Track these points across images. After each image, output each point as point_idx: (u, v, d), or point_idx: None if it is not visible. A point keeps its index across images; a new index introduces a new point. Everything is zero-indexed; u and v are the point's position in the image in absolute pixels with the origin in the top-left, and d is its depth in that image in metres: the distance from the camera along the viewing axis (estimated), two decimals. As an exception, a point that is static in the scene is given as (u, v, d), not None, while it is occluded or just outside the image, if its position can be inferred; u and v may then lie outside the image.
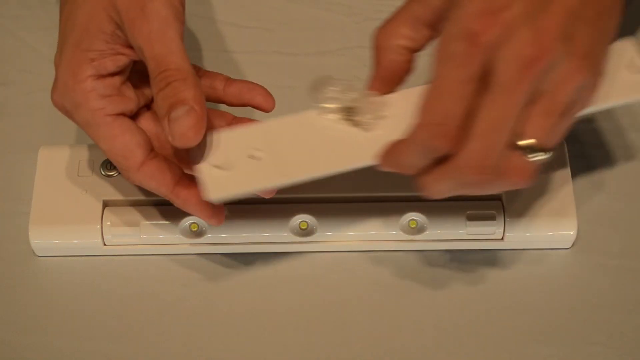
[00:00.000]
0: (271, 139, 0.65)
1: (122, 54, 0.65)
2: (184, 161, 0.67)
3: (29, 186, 0.73)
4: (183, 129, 0.62)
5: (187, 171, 0.67)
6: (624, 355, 0.69)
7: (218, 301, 0.72)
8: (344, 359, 0.70)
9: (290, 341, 0.70)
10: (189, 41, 0.82)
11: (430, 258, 0.73)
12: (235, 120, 0.68)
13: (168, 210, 0.72)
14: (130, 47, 0.65)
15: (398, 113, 0.65)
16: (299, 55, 0.81)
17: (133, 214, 0.72)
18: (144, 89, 0.68)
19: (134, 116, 0.67)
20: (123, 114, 0.66)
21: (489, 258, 0.73)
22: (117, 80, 0.66)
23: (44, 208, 0.72)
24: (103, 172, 0.73)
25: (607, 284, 0.72)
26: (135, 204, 0.72)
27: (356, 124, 0.65)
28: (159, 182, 0.66)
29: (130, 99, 0.67)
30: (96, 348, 0.70)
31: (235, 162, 0.64)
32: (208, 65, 0.80)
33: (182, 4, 0.65)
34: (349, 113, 0.65)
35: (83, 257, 0.73)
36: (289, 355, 0.70)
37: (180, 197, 0.66)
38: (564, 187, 0.73)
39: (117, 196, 0.72)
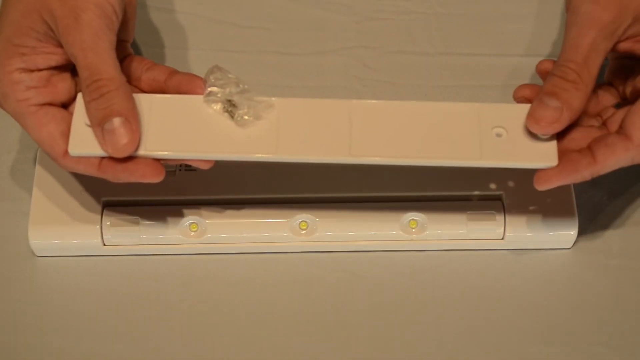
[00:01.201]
0: (148, 110, 0.66)
1: (55, 53, 0.67)
2: None
3: (29, 186, 0.74)
4: (120, 144, 0.64)
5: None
6: (625, 356, 0.69)
7: (218, 301, 0.72)
8: (343, 359, 0.70)
9: (290, 341, 0.70)
10: (189, 40, 0.82)
11: (430, 258, 0.73)
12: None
13: (168, 210, 0.72)
14: (63, 47, 0.66)
15: (277, 117, 0.66)
16: (299, 55, 0.81)
17: (133, 214, 0.72)
18: None
19: (70, 101, 0.68)
20: (51, 104, 0.67)
21: (489, 258, 0.73)
22: (47, 73, 0.67)
23: (43, 208, 0.72)
24: (103, 172, 0.73)
25: (607, 284, 0.72)
26: (135, 204, 0.72)
27: (233, 118, 0.66)
28: (85, 164, 0.66)
29: (63, 89, 0.68)
30: (96, 348, 0.70)
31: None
32: (208, 65, 0.80)
33: (116, 15, 0.66)
34: (230, 106, 0.66)
35: (82, 257, 0.73)
36: (289, 354, 0.70)
37: (108, 172, 0.66)
38: (565, 187, 0.73)
39: (116, 196, 0.72)
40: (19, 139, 0.77)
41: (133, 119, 0.65)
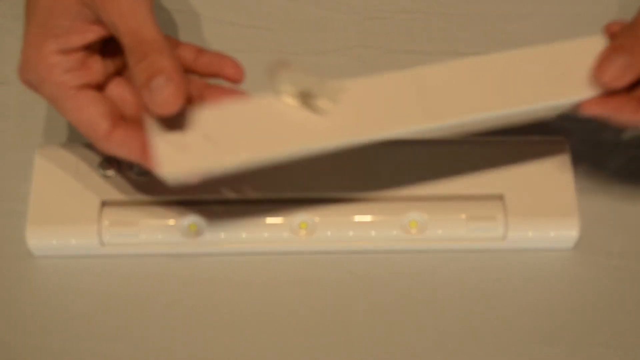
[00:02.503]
0: (227, 120, 0.66)
1: (90, 31, 0.66)
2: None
3: (27, 186, 0.73)
4: (164, 97, 0.64)
5: None
6: (626, 356, 0.69)
7: (217, 301, 0.72)
8: (343, 359, 0.69)
9: (289, 341, 0.70)
10: (190, 40, 0.81)
11: (430, 258, 0.73)
12: (206, 88, 0.69)
13: (167, 210, 0.72)
14: (98, 24, 0.66)
15: (354, 99, 0.66)
16: (299, 55, 0.81)
17: (131, 214, 0.72)
18: (114, 57, 0.69)
19: (103, 84, 0.68)
20: (88, 86, 0.67)
21: (490, 258, 0.73)
22: (82, 54, 0.67)
23: (41, 208, 0.72)
24: (101, 172, 0.73)
25: (609, 285, 0.72)
26: (133, 204, 0.72)
27: (312, 108, 0.66)
28: (129, 148, 0.66)
29: (97, 70, 0.68)
30: (95, 348, 0.70)
31: (190, 141, 0.65)
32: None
33: None
34: (305, 97, 0.66)
35: (81, 258, 0.73)
36: (289, 355, 0.70)
37: (151, 160, 0.66)
38: (566, 187, 0.73)
39: (115, 196, 0.72)
40: (18, 138, 0.77)
41: (177, 76, 0.64)
